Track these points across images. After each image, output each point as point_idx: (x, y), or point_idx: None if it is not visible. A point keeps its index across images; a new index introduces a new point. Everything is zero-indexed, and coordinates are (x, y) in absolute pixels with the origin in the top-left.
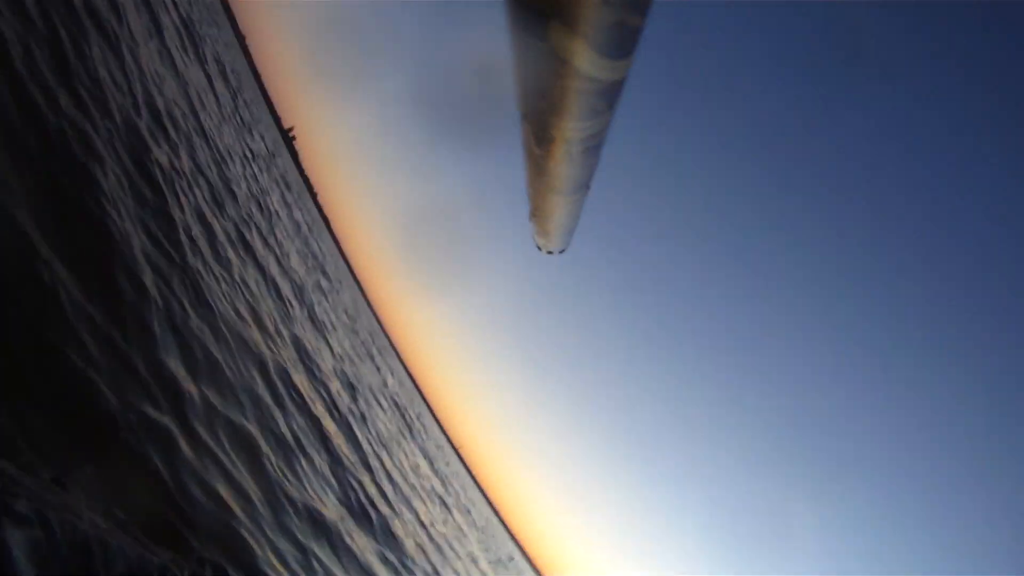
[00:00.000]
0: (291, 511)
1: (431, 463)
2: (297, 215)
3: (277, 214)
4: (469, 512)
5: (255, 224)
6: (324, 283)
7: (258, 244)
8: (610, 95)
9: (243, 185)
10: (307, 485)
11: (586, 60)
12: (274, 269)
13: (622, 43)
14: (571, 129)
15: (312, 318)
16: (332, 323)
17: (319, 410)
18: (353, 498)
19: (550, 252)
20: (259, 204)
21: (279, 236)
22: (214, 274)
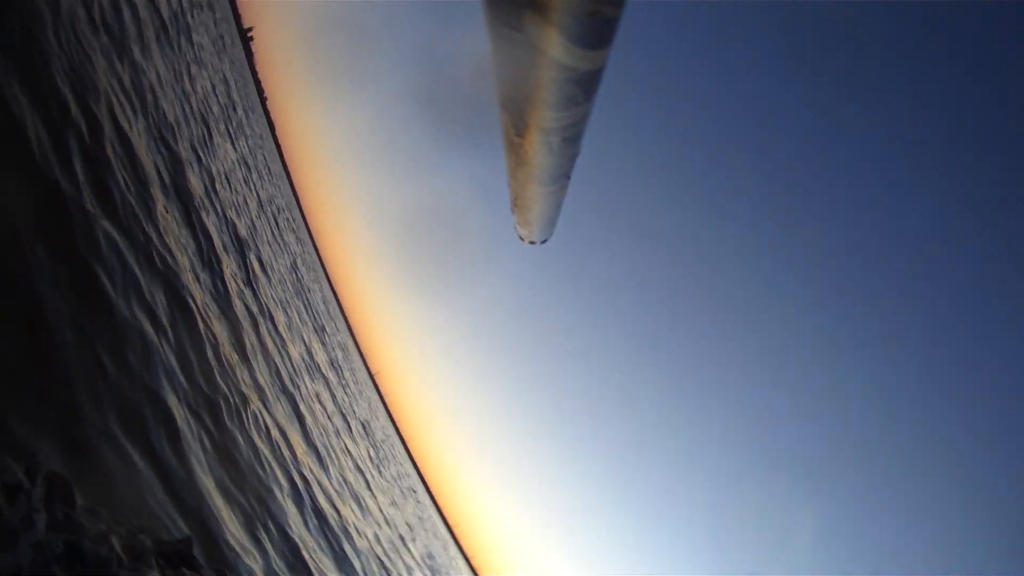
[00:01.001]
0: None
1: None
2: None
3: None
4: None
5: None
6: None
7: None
8: (587, 85)
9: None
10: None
11: (561, 50)
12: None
13: (598, 33)
14: (549, 118)
15: None
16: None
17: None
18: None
19: (532, 243)
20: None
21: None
22: None
